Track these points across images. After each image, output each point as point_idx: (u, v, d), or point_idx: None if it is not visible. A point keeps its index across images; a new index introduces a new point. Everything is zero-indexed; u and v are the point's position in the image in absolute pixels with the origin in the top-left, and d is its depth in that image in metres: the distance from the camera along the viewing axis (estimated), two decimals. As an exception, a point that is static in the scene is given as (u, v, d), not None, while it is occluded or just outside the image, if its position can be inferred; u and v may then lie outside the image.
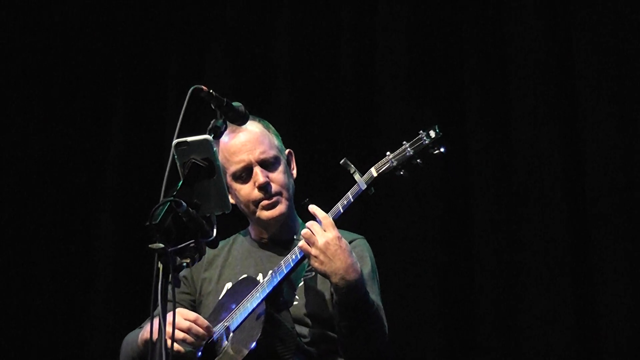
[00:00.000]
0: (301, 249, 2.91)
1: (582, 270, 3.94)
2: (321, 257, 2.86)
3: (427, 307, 4.18)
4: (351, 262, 2.86)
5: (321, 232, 2.87)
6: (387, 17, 4.44)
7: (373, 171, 2.92)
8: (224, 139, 3.18)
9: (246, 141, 3.17)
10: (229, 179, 3.20)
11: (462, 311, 4.14)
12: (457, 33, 4.31)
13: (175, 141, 2.40)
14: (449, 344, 4.16)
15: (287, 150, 3.28)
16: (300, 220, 3.27)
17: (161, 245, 2.30)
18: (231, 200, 3.19)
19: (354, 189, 2.93)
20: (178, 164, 2.41)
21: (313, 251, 2.87)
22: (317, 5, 4.66)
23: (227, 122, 2.57)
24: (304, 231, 2.90)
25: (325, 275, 2.90)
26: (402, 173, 2.89)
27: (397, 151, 2.90)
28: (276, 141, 3.24)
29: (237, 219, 3.33)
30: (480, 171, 4.17)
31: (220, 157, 3.18)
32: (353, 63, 4.51)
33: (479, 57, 4.24)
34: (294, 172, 3.29)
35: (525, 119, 4.09)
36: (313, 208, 2.93)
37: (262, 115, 3.27)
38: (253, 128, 3.19)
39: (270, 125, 3.27)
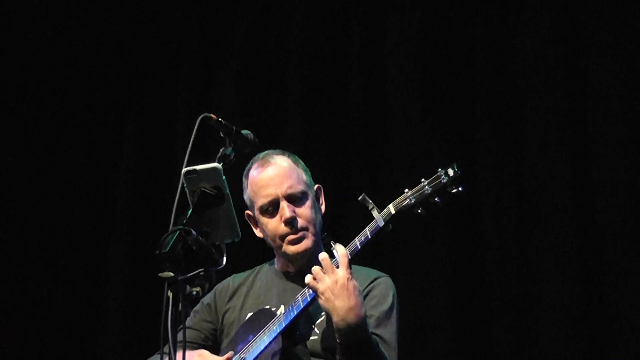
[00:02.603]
0: (308, 285, 2.91)
1: (596, 301, 3.93)
2: (326, 294, 2.85)
3: (440, 335, 4.21)
4: (354, 304, 2.83)
5: (332, 269, 2.87)
6: (396, 42, 4.48)
7: (391, 208, 2.90)
8: (253, 172, 3.21)
9: (274, 175, 3.18)
10: (256, 212, 3.21)
11: (477, 340, 4.15)
12: (468, 57, 4.33)
13: (184, 169, 2.43)
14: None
15: (316, 186, 3.27)
16: None
17: (171, 273, 2.33)
18: (259, 234, 3.24)
19: (372, 225, 2.91)
20: (187, 192, 2.44)
21: (320, 287, 2.87)
22: (326, 34, 4.70)
23: (236, 150, 2.59)
24: (314, 267, 2.90)
25: (327, 312, 2.88)
26: (419, 211, 2.87)
27: (415, 189, 2.88)
28: (305, 176, 3.23)
29: (264, 251, 3.35)
30: (490, 197, 4.20)
31: (249, 191, 3.22)
32: (364, 91, 4.56)
33: (490, 80, 4.28)
34: (323, 207, 3.28)
35: (536, 146, 4.12)
36: (337, 246, 2.93)
37: (272, 145, 3.28)
38: (282, 162, 3.21)
39: (300, 160, 3.27)
